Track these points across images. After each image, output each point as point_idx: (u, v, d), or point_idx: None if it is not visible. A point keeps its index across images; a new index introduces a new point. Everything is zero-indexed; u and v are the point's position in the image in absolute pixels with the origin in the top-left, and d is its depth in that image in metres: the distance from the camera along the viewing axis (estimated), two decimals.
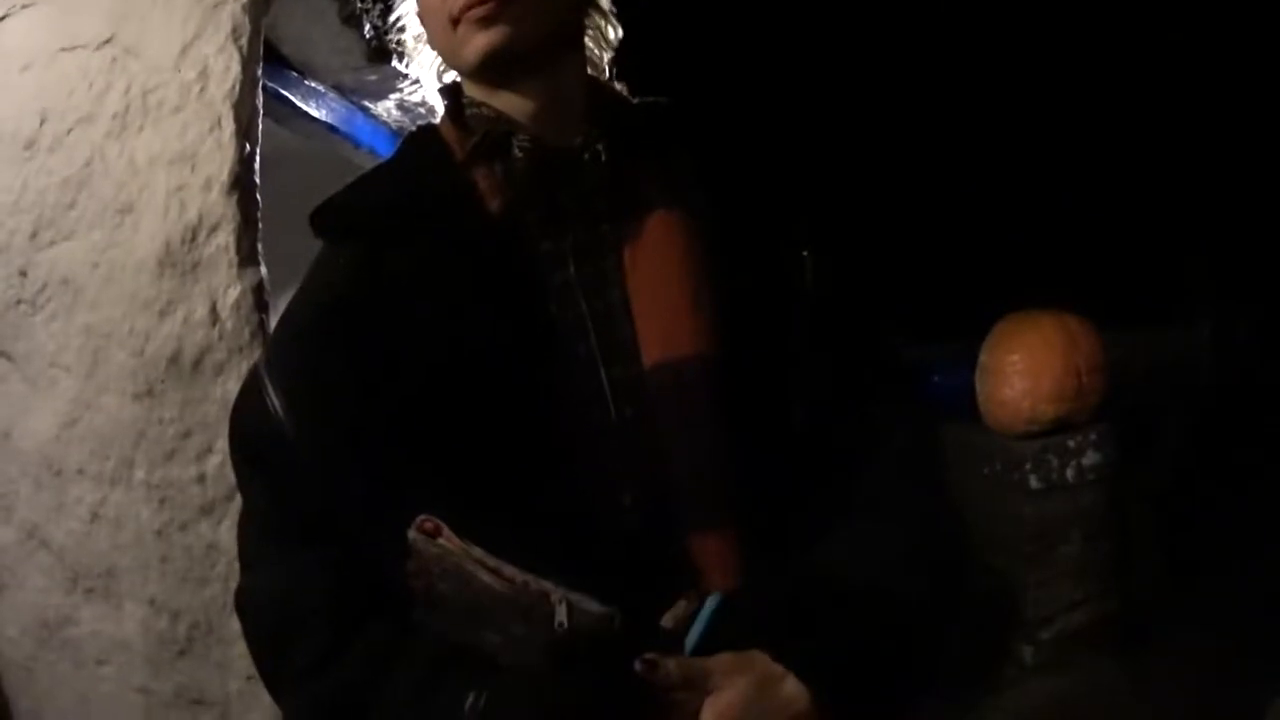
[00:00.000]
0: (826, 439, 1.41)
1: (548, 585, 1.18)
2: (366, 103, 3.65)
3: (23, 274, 2.56)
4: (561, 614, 1.17)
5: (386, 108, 3.70)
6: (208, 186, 2.40)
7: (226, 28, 2.43)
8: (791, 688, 1.22)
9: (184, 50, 2.43)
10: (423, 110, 2.82)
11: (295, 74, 3.31)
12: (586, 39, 1.48)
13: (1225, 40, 4.96)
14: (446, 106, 1.47)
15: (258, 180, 2.47)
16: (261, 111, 2.53)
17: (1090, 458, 4.18)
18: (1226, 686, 3.72)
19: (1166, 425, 4.63)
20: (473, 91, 1.43)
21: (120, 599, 2.51)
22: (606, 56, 1.52)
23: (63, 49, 2.54)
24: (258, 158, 2.48)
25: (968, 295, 4.67)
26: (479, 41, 1.33)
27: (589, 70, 1.49)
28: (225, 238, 2.40)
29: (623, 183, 1.41)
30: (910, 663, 1.33)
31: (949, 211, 4.96)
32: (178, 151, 2.41)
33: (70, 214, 2.50)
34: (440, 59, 1.47)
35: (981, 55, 4.85)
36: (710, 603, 1.24)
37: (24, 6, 2.59)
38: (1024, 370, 4.08)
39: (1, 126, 2.59)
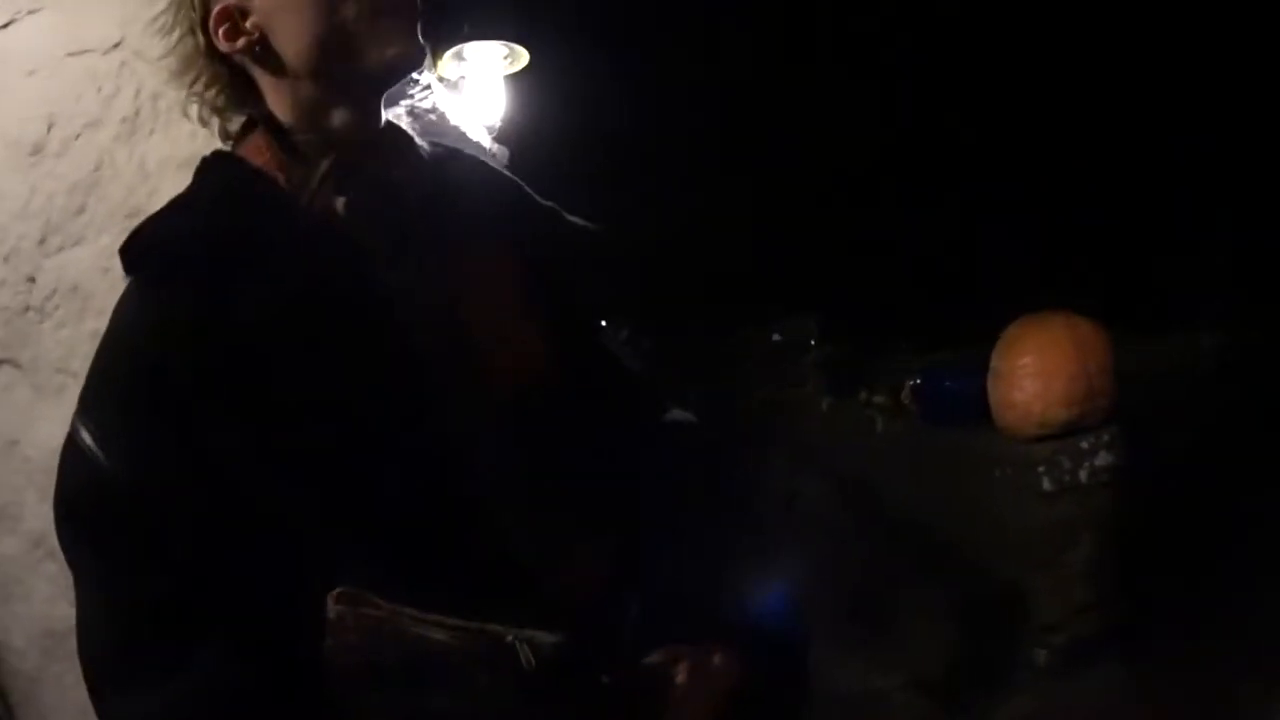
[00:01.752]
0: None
1: (495, 628, 1.17)
2: None
3: (30, 280, 2.55)
4: (526, 653, 1.16)
5: (396, 114, 3.69)
6: None
7: None
8: (720, 659, 1.33)
9: None
10: (433, 116, 2.80)
11: None
12: None
13: (1234, 41, 4.94)
14: (264, 135, 1.36)
15: None
16: None
17: (1103, 459, 4.16)
18: (1236, 695, 3.70)
19: (1173, 431, 4.62)
20: (295, 121, 1.35)
21: None
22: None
23: (70, 54, 2.52)
24: None
25: (979, 299, 4.65)
26: (398, 46, 1.32)
27: None
28: None
29: (445, 213, 1.40)
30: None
31: (960, 216, 4.94)
32: (188, 155, 2.36)
33: (79, 219, 2.49)
34: (323, 54, 1.31)
35: (989, 58, 4.84)
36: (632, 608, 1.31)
37: (30, 12, 2.57)
38: (1034, 373, 4.06)
39: (7, 133, 2.57)
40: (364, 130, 1.37)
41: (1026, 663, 4.21)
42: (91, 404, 1.29)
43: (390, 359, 1.29)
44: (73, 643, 2.49)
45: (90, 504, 1.25)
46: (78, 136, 2.49)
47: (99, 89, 2.48)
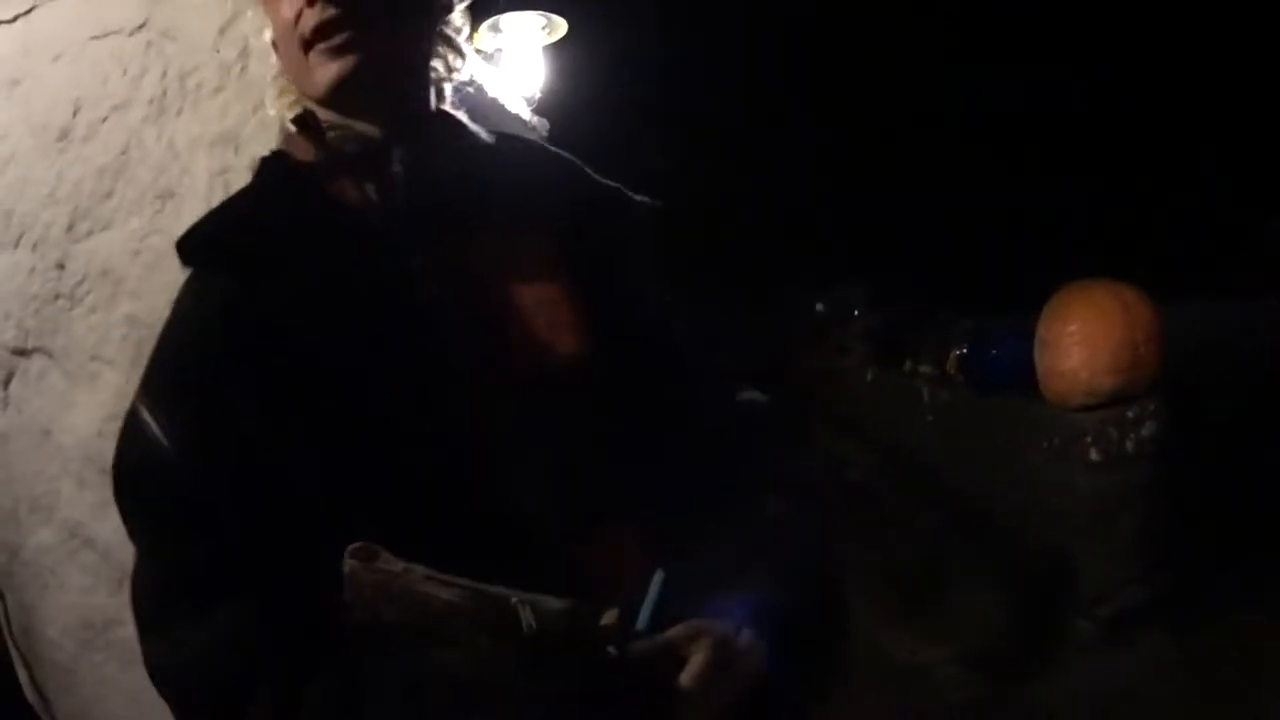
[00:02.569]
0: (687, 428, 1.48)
1: (502, 590, 1.17)
2: None
3: (60, 267, 2.54)
4: (528, 616, 1.16)
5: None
6: (253, 167, 2.36)
7: None
8: (745, 641, 1.28)
9: (222, 31, 2.40)
10: (470, 90, 2.77)
11: None
12: (433, 65, 1.51)
13: None
14: (305, 130, 1.45)
15: None
16: None
17: (1149, 428, 4.12)
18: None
19: (1220, 402, 4.57)
20: (328, 116, 1.42)
21: None
22: (449, 85, 1.54)
23: (94, 37, 2.51)
24: None
25: (1025, 267, 4.62)
26: (331, 70, 1.36)
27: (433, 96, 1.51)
28: None
29: (482, 200, 1.44)
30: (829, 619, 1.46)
31: (1004, 183, 4.90)
32: (219, 133, 2.38)
33: (108, 203, 2.47)
34: (291, 82, 1.45)
35: (1035, 22, 4.80)
36: (656, 581, 1.27)
37: None
38: (1081, 341, 4.03)
39: (33, 119, 2.56)
40: (388, 126, 1.42)
41: (1072, 634, 4.19)
42: (153, 384, 1.39)
43: (415, 343, 1.36)
44: (109, 633, 2.53)
45: (144, 477, 1.36)
46: (104, 120, 2.48)
47: (125, 70, 2.46)
